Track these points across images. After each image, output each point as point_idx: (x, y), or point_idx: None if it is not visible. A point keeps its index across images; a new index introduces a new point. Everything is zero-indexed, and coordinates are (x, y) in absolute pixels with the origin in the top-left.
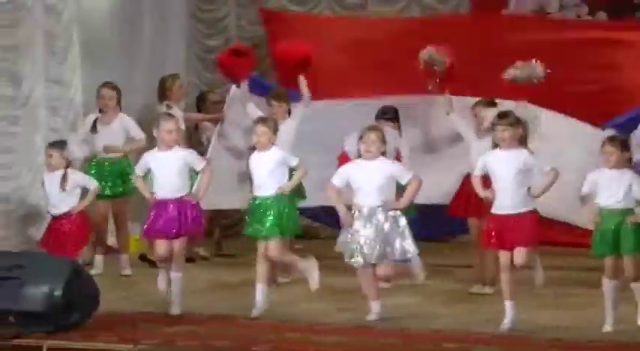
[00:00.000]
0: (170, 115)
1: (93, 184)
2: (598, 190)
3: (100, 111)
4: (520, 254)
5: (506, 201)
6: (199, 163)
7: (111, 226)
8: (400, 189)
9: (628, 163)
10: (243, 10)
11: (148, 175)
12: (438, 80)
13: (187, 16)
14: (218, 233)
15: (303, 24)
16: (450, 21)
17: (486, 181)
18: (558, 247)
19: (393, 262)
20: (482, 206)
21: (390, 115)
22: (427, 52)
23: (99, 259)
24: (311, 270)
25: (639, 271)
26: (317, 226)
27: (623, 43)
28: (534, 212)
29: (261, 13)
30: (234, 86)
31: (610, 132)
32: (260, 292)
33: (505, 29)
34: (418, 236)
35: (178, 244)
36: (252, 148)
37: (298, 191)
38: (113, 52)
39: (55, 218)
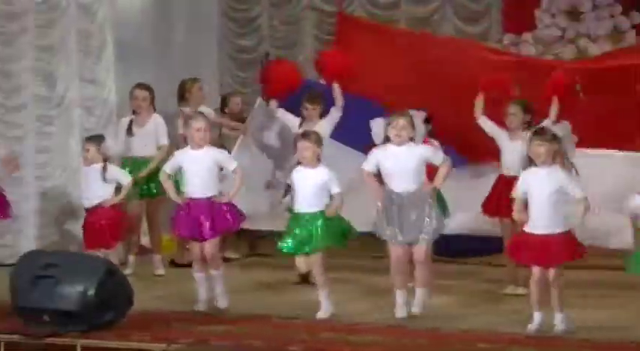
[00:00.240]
0: (200, 114)
1: (127, 179)
2: None
3: (134, 112)
4: (552, 274)
5: (540, 221)
6: (231, 164)
7: (144, 226)
8: None
9: None
10: (275, 9)
11: (176, 174)
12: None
13: (220, 16)
14: (252, 233)
15: (376, 33)
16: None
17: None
18: None
19: (427, 244)
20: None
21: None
22: None
23: (132, 259)
24: (329, 299)
25: None
26: None
27: None
28: (569, 233)
29: (338, 16)
30: (259, 99)
31: None
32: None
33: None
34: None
35: (211, 245)
36: (298, 163)
37: None
38: (147, 52)
39: (89, 211)
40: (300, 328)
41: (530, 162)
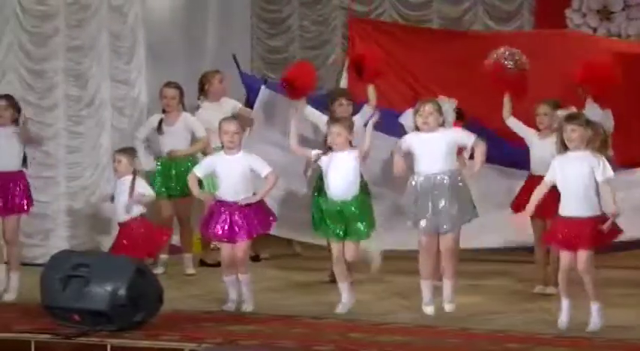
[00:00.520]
0: (232, 117)
1: (151, 195)
2: None
3: (164, 111)
4: (582, 258)
5: (571, 204)
6: (264, 169)
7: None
8: None
9: None
10: (306, 10)
11: (208, 178)
12: (505, 79)
13: (251, 16)
14: None
15: (387, 33)
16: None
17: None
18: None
19: (454, 233)
20: (545, 206)
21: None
22: (510, 50)
23: (163, 258)
24: (351, 292)
25: None
26: None
27: None
28: (602, 217)
29: (349, 20)
30: (262, 86)
31: None
32: (344, 288)
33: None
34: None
35: (241, 249)
36: (329, 148)
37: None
38: (178, 52)
39: (121, 225)
40: (329, 328)
41: (564, 148)
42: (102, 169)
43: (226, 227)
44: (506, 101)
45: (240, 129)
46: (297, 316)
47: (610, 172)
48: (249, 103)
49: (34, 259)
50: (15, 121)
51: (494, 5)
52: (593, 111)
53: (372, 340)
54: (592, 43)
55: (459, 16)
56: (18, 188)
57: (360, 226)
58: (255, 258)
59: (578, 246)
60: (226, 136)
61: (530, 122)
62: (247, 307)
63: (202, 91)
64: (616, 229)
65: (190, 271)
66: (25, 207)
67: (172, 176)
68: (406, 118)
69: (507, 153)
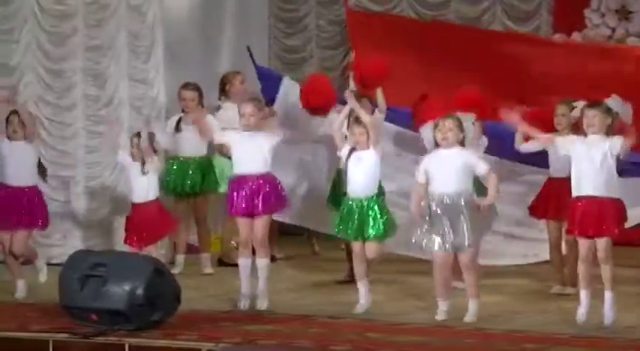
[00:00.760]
0: (252, 98)
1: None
2: None
3: (183, 111)
4: (602, 246)
5: (588, 183)
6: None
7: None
8: None
9: None
10: (323, 9)
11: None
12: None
13: (268, 15)
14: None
15: (386, 25)
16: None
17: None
18: None
19: (474, 251)
20: (560, 208)
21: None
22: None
23: (180, 257)
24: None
25: None
26: None
27: None
28: (619, 201)
29: (347, 14)
30: (284, 78)
31: None
32: (363, 287)
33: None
34: None
35: (260, 224)
36: (352, 149)
37: None
38: (196, 52)
39: (135, 206)
40: (346, 328)
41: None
42: (121, 169)
43: (240, 200)
44: (518, 135)
45: (256, 111)
46: (314, 315)
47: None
48: (265, 96)
49: (52, 258)
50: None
51: (513, 5)
52: (614, 103)
53: (390, 340)
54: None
55: (477, 15)
56: (32, 204)
57: (380, 225)
58: (271, 258)
59: (596, 232)
60: (243, 118)
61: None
62: (262, 304)
63: (223, 91)
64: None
65: (208, 270)
66: (40, 223)
67: (188, 176)
68: (426, 132)
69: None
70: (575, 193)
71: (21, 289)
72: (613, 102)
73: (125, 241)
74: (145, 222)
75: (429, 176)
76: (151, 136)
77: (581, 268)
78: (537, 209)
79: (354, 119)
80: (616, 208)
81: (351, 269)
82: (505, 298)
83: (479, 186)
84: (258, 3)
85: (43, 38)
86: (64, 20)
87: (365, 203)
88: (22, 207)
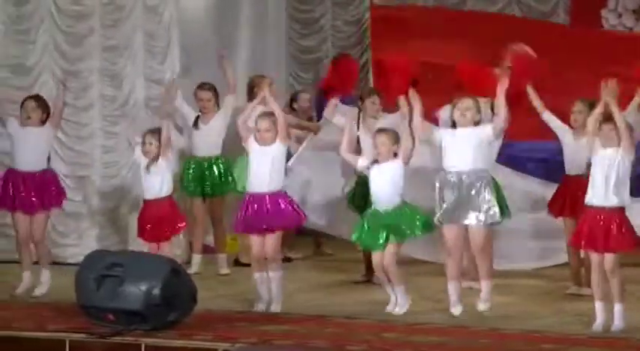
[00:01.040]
0: (267, 114)
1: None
2: None
3: (200, 111)
4: (609, 260)
5: (600, 190)
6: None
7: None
8: None
9: None
10: (339, 9)
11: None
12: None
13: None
14: (317, 232)
15: (412, 18)
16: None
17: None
18: None
19: (483, 227)
20: (577, 206)
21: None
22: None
23: (196, 258)
24: (405, 296)
25: None
26: None
27: None
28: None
29: (372, 10)
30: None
31: None
32: (390, 289)
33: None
34: None
35: (272, 241)
36: (374, 161)
37: None
38: (212, 53)
39: (147, 202)
40: (362, 329)
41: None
42: (137, 169)
43: (252, 217)
44: (531, 92)
45: (272, 126)
46: (330, 316)
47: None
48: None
49: (69, 258)
50: (43, 122)
51: (530, 5)
52: (633, 114)
53: (406, 340)
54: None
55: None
56: (49, 185)
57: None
58: (287, 259)
59: (605, 247)
60: (258, 133)
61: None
62: (275, 307)
63: (251, 94)
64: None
65: (224, 271)
66: (59, 202)
67: (205, 176)
68: (444, 112)
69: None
70: (586, 199)
71: (25, 282)
72: (632, 114)
73: (137, 235)
74: (155, 218)
75: (443, 151)
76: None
77: (594, 279)
78: (554, 207)
79: (378, 130)
80: (622, 219)
81: (368, 269)
82: (521, 299)
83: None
84: (274, 3)
85: (60, 38)
86: (80, 21)
87: (388, 214)
88: (36, 190)
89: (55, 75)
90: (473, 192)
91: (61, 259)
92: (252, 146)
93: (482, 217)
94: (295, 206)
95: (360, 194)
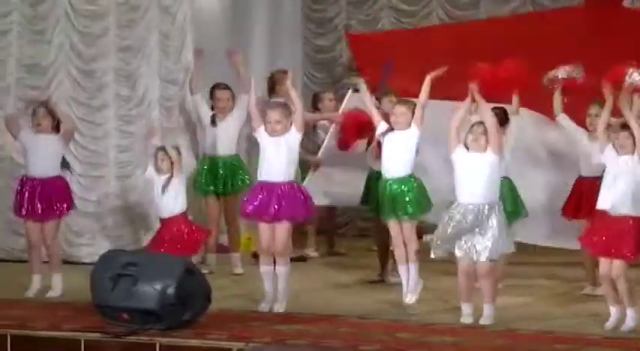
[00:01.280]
0: (278, 104)
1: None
2: None
3: (215, 109)
4: (617, 266)
5: (614, 196)
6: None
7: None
8: None
9: None
10: (353, 9)
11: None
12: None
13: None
14: (331, 232)
15: (386, 42)
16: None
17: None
18: None
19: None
20: (593, 209)
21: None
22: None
23: (211, 257)
24: (419, 284)
25: None
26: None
27: None
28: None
29: (347, 37)
30: (349, 91)
31: None
32: (404, 271)
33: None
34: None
35: (281, 234)
36: (390, 129)
37: None
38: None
39: (163, 221)
40: (376, 328)
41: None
42: (148, 183)
43: (260, 204)
44: (557, 96)
45: (283, 118)
46: (344, 315)
47: None
48: None
49: (83, 257)
50: (54, 129)
51: (544, 5)
52: None
53: (421, 340)
54: None
55: (507, 15)
56: (57, 192)
57: (410, 206)
58: (302, 258)
59: (616, 253)
60: (269, 124)
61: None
62: (279, 307)
63: (272, 90)
64: None
65: (238, 270)
66: (65, 209)
67: (219, 175)
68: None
69: None
70: (598, 203)
71: (35, 285)
72: None
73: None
74: (174, 238)
75: (455, 179)
76: (177, 149)
77: (605, 286)
78: (569, 210)
79: (397, 101)
80: (634, 228)
81: (383, 269)
82: (535, 299)
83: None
84: (289, 3)
85: (76, 38)
86: (95, 21)
87: (399, 183)
88: (46, 197)
89: (71, 75)
90: (482, 227)
91: (76, 258)
92: (264, 136)
93: (490, 254)
94: (306, 198)
95: (374, 193)
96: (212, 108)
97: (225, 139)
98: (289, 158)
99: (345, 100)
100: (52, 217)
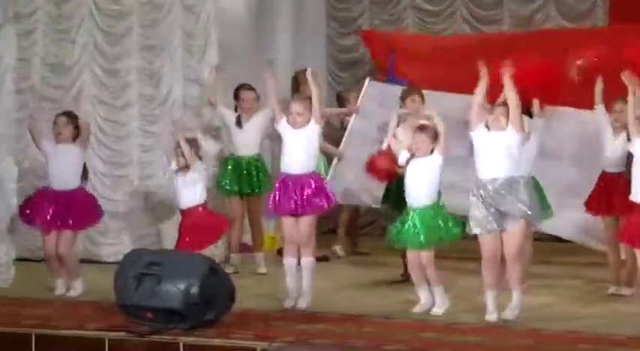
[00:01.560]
0: (300, 97)
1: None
2: None
3: (235, 110)
4: None
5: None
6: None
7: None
8: None
9: None
10: (377, 9)
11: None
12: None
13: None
14: (354, 232)
15: (399, 42)
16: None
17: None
18: None
19: (519, 233)
20: (616, 204)
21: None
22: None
23: (234, 257)
24: (444, 295)
25: None
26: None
27: None
28: None
29: (361, 35)
30: (367, 80)
31: None
32: (423, 292)
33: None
34: None
35: (305, 225)
36: (412, 155)
37: None
38: (250, 52)
39: (184, 212)
40: (400, 328)
41: None
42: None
43: (284, 199)
44: (599, 84)
45: (304, 110)
46: (368, 315)
47: None
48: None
49: (107, 257)
50: (75, 139)
51: (567, 4)
52: None
53: (444, 340)
54: None
55: (530, 14)
56: (77, 206)
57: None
58: (325, 258)
59: None
60: (290, 116)
61: None
62: (303, 302)
63: (297, 90)
64: None
65: (262, 270)
66: (88, 223)
67: (243, 175)
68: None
69: None
70: (631, 196)
71: (60, 288)
72: None
73: (176, 248)
74: (195, 226)
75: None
76: (193, 143)
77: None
78: (592, 205)
79: (418, 126)
80: None
81: (406, 269)
82: (559, 299)
83: None
84: (313, 3)
85: (100, 38)
86: (119, 20)
87: (422, 212)
88: (65, 209)
89: (95, 74)
90: (509, 197)
91: (100, 257)
92: (285, 128)
93: (519, 222)
94: (326, 188)
95: (395, 192)
96: (235, 108)
97: (249, 140)
98: (309, 150)
99: (363, 90)
100: (71, 229)
